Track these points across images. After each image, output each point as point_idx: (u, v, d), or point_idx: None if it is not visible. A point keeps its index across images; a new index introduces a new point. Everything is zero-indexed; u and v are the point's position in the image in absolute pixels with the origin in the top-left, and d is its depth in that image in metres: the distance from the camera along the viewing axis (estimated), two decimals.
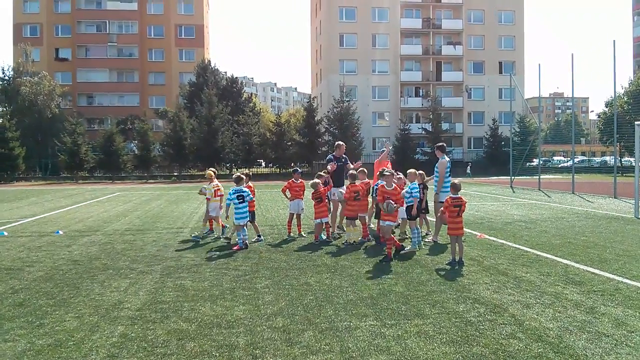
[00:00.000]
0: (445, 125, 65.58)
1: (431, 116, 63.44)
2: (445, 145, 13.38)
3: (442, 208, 10.80)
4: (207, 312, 7.05)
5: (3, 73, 66.60)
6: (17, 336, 6.17)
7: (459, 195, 10.08)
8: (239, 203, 11.79)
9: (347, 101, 60.69)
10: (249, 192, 12.19)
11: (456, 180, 10.36)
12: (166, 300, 7.65)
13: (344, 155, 14.25)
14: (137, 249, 11.86)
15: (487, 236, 13.10)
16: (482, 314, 6.86)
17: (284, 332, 6.22)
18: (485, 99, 71.33)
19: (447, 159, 12.85)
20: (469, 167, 54.20)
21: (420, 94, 71.20)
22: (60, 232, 14.57)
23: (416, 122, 68.53)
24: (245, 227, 11.89)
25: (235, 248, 11.58)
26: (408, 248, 11.08)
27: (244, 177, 12.38)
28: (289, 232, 13.39)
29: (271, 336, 6.08)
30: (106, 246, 12.32)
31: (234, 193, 11.82)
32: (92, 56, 78.87)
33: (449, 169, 12.73)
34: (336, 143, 14.70)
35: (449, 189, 11.37)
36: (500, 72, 70.30)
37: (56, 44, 78.19)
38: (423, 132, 63.95)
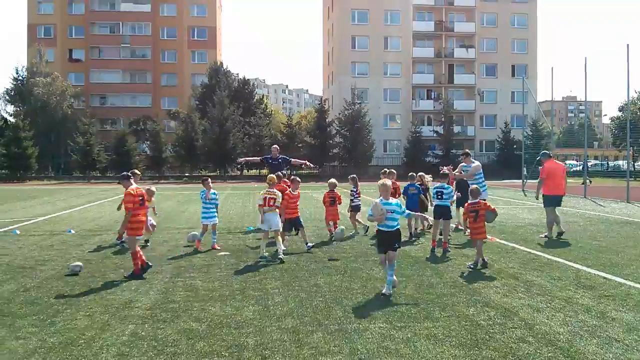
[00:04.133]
0: (457, 128, 65.44)
1: (443, 119, 63.34)
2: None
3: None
4: (217, 312, 7.08)
5: (17, 73, 67.26)
6: (28, 334, 6.22)
7: (478, 200, 10.00)
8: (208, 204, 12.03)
9: (359, 103, 60.73)
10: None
11: (474, 186, 10.33)
12: (176, 299, 7.69)
13: (279, 156, 15.78)
14: (148, 249, 11.92)
15: (498, 240, 13.04)
16: (492, 317, 6.83)
17: (293, 333, 6.23)
18: (497, 102, 71.05)
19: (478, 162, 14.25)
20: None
21: (432, 97, 71.07)
22: (72, 231, 14.69)
23: (428, 125, 68.35)
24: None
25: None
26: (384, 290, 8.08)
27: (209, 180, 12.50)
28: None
29: (280, 337, 6.09)
30: (117, 246, 12.40)
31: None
32: (105, 57, 79.41)
33: (482, 172, 14.04)
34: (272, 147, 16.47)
35: (486, 188, 13.23)
36: (513, 75, 69.97)
37: (70, 44, 78.79)
38: (434, 135, 63.79)
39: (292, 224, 11.98)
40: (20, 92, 65.44)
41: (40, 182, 52.41)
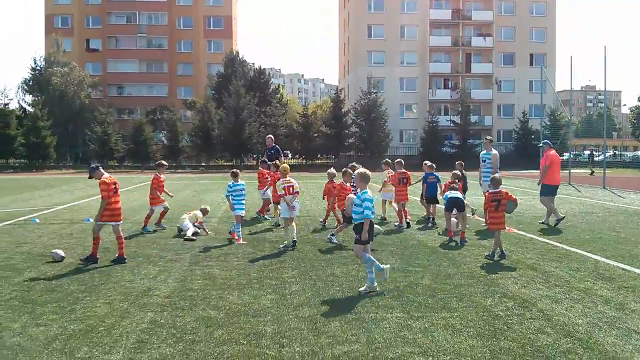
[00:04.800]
0: (474, 118, 64.84)
1: (460, 108, 62.84)
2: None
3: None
4: (234, 300, 7.14)
5: (35, 63, 67.86)
6: (49, 321, 6.32)
7: (499, 190, 9.88)
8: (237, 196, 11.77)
9: (375, 93, 60.43)
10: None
11: (497, 175, 10.22)
12: (195, 288, 7.76)
13: (274, 146, 16.65)
14: (166, 237, 12.04)
15: (515, 230, 12.96)
16: (510, 308, 6.81)
17: (310, 321, 6.26)
18: (515, 91, 70.30)
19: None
20: None
21: (449, 86, 70.51)
22: (91, 220, 14.77)
23: (444, 114, 67.86)
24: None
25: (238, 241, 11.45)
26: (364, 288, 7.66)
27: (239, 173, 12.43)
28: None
29: (298, 325, 6.12)
30: (136, 234, 12.52)
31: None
32: (122, 47, 79.85)
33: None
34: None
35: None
36: (531, 65, 69.12)
37: (87, 34, 79.29)
38: (451, 125, 63.31)
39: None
40: (38, 82, 66.05)
41: (58, 171, 52.98)
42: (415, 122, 67.59)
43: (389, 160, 15.21)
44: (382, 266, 7.72)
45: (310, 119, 61.96)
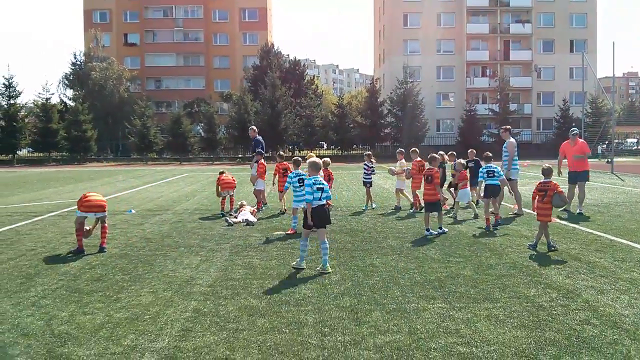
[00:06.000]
0: (513, 106, 63.67)
1: (498, 97, 61.82)
2: (510, 128, 14.89)
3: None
4: (275, 289, 7.19)
5: (75, 58, 69.38)
6: (95, 309, 6.48)
7: (549, 180, 9.56)
8: (299, 186, 11.17)
9: (411, 82, 59.90)
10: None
11: (546, 165, 9.88)
12: (236, 277, 7.85)
13: (256, 137, 16.69)
14: (206, 228, 12.20)
15: (558, 220, 12.71)
16: (555, 299, 6.69)
17: (351, 311, 6.27)
18: (555, 78, 68.75)
19: (514, 140, 14.27)
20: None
21: (487, 74, 69.34)
22: (133, 211, 15.15)
23: (483, 103, 66.85)
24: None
25: (290, 232, 11.51)
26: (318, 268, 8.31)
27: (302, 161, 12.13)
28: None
29: (339, 315, 6.14)
30: (177, 225, 12.73)
31: (295, 176, 11.39)
32: (160, 41, 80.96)
33: (517, 150, 14.16)
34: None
35: (518, 168, 13.96)
36: (572, 51, 67.49)
37: (125, 29, 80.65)
38: (490, 114, 62.38)
39: (433, 208, 11.41)
40: (78, 77, 67.56)
41: (99, 163, 54.18)
42: (453, 111, 66.80)
43: (403, 150, 16.16)
44: (302, 264, 8.33)
45: (346, 109, 61.81)
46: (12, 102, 56.80)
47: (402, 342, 5.35)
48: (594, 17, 69.46)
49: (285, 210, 14.35)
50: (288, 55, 74.86)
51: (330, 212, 10.78)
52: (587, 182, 14.55)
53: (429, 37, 67.74)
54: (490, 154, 13.21)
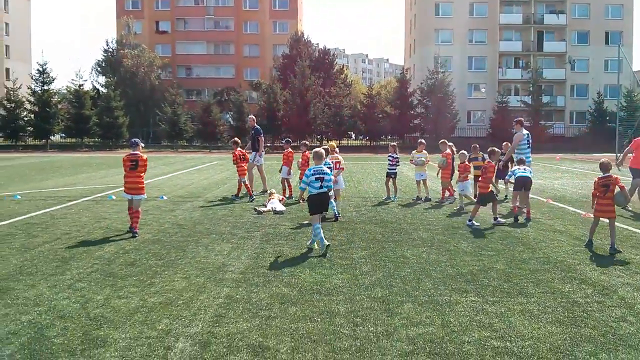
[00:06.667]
0: (546, 98, 62.42)
1: (531, 88, 60.72)
2: (523, 120, 15.06)
3: None
4: (306, 278, 7.21)
5: (107, 45, 70.19)
6: (130, 293, 6.59)
7: (609, 174, 9.09)
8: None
9: (442, 72, 59.19)
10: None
11: (604, 159, 9.41)
12: (267, 265, 7.90)
13: (255, 126, 17.49)
14: (237, 216, 12.29)
15: (592, 215, 12.44)
16: (590, 295, 6.58)
17: (383, 302, 6.25)
18: (589, 71, 67.20)
19: (526, 132, 14.23)
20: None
21: (520, 65, 68.12)
22: (164, 197, 15.33)
23: (515, 95, 65.75)
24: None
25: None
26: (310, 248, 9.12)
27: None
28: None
29: (371, 305, 6.13)
30: (208, 212, 12.85)
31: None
32: (190, 29, 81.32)
33: (526, 142, 14.11)
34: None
35: (530, 159, 13.81)
36: (607, 43, 65.84)
37: (156, 17, 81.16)
38: (522, 105, 61.30)
39: (488, 199, 11.45)
40: (110, 64, 68.32)
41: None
42: (484, 103, 65.87)
43: (424, 141, 16.27)
44: (324, 242, 8.78)
45: (375, 99, 61.41)
46: (45, 88, 57.76)
47: (434, 334, 5.32)
48: (630, 8, 67.57)
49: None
50: (318, 44, 74.65)
51: (337, 203, 11.66)
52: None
53: (461, 27, 66.79)
54: (514, 145, 13.23)
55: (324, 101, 58.90)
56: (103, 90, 64.65)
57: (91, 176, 22.62)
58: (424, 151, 15.44)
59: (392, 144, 16.32)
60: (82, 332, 5.38)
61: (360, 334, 5.32)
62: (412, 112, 60.00)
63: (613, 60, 62.16)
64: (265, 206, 13.04)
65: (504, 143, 15.81)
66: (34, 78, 58.34)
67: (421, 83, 60.31)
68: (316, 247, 8.89)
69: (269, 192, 14.53)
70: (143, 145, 11.35)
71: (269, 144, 60.36)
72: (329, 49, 72.96)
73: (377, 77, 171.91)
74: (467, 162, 13.54)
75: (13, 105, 56.34)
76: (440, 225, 11.21)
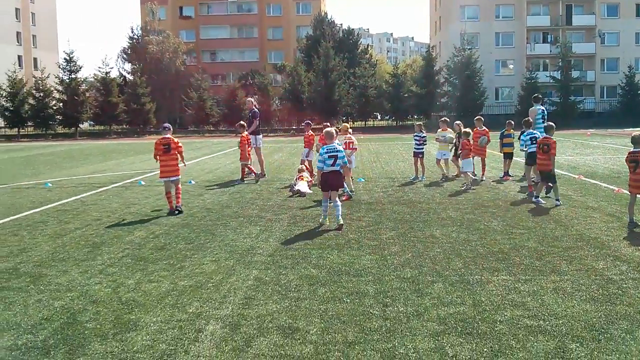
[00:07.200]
0: (575, 73, 61.02)
1: (560, 63, 59.39)
2: (539, 95, 15.87)
3: None
4: (335, 260, 7.19)
5: (132, 32, 70.60)
6: (160, 277, 6.65)
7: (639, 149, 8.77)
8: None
9: (469, 49, 58.21)
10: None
11: (636, 133, 9.04)
12: (295, 247, 7.89)
13: (254, 108, 17.53)
14: (264, 199, 12.31)
15: (625, 191, 12.17)
16: (625, 272, 6.44)
17: (412, 282, 6.20)
18: (620, 44, 65.32)
19: (542, 107, 14.91)
20: None
21: (549, 40, 66.54)
22: (193, 182, 15.45)
23: (544, 70, 64.36)
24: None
25: (344, 199, 11.46)
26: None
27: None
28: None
29: (400, 286, 6.08)
30: (235, 195, 12.91)
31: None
32: (214, 13, 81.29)
33: (540, 116, 14.47)
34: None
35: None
36: (637, 15, 63.86)
37: (180, 2, 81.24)
38: (551, 81, 60.03)
39: (548, 178, 11.14)
40: (136, 51, 68.71)
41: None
42: (512, 79, 64.67)
43: (447, 119, 16.07)
44: (323, 218, 9.50)
45: (401, 78, 60.78)
46: (73, 76, 58.44)
47: (466, 314, 5.26)
48: None
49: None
50: (341, 24, 74.02)
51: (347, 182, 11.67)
52: None
53: (487, 3, 65.38)
54: (531, 120, 13.21)
55: (349, 82, 58.50)
56: (129, 77, 65.21)
57: (120, 163, 22.91)
58: (449, 129, 15.28)
59: (417, 123, 16.18)
60: (114, 316, 5.45)
61: (390, 315, 5.28)
62: (439, 90, 59.25)
63: None
64: (295, 186, 12.99)
65: (507, 121, 15.80)
66: (61, 67, 59.02)
67: (447, 61, 59.43)
68: (327, 223, 9.33)
69: (299, 167, 14.36)
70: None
71: (294, 127, 60.43)
72: (352, 29, 72.34)
73: (402, 56, 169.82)
74: (468, 140, 13.42)
75: (42, 94, 57.14)
76: (470, 204, 11.07)
